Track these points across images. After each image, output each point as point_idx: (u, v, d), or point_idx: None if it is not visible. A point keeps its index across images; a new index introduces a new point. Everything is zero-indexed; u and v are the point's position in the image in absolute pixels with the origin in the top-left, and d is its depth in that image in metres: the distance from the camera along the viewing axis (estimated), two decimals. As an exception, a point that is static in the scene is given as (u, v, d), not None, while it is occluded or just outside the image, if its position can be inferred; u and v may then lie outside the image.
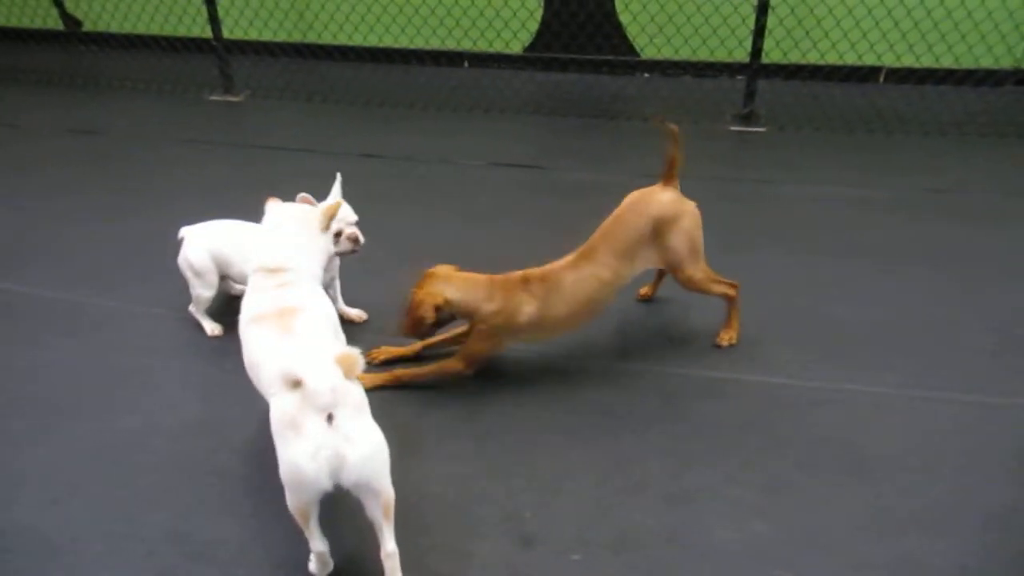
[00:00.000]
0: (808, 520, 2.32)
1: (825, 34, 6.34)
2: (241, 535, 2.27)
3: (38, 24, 8.22)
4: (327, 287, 2.86)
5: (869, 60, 6.47)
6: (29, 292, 3.60)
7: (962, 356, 3.08)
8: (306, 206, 2.73)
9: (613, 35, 7.04)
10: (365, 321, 3.35)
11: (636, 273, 3.00)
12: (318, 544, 2.03)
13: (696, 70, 6.96)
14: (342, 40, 7.45)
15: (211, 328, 3.28)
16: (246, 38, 7.46)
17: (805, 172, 4.99)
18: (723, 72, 6.83)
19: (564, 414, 2.80)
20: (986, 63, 6.25)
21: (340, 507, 2.07)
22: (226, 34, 6.74)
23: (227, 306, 3.43)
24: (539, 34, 7.22)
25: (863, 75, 6.67)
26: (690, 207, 2.97)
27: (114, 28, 7.83)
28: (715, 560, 2.19)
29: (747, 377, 2.97)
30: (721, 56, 6.68)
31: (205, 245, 3.19)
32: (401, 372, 2.94)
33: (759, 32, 5.69)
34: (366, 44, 7.40)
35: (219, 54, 6.70)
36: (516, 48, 7.27)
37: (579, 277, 2.85)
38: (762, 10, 5.61)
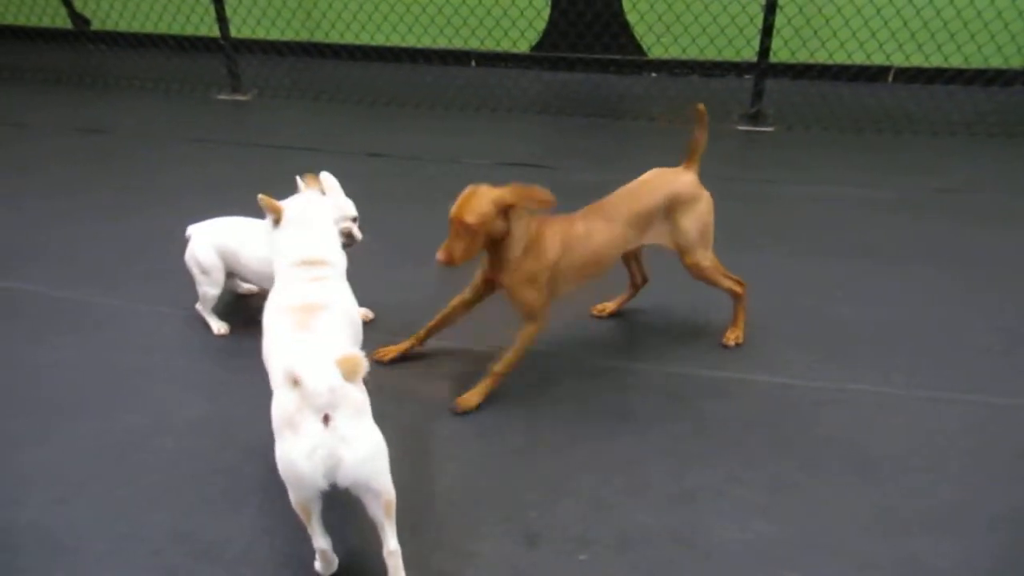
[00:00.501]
0: (812, 520, 2.31)
1: (833, 33, 6.32)
2: (246, 534, 2.27)
3: (47, 23, 8.25)
4: None
5: (878, 60, 6.45)
6: (34, 290, 3.61)
7: (968, 356, 3.07)
8: (322, 197, 2.69)
9: (620, 34, 7.03)
10: (372, 320, 3.35)
11: (643, 244, 2.97)
12: (320, 541, 2.03)
13: (703, 69, 6.95)
14: (349, 39, 7.47)
15: (217, 327, 3.29)
16: (254, 37, 7.47)
17: (813, 172, 4.97)
18: (731, 71, 6.82)
19: (567, 413, 2.79)
20: (995, 63, 6.22)
21: (343, 505, 2.08)
22: (234, 33, 6.76)
23: (233, 305, 3.44)
24: (546, 33, 7.22)
25: (872, 75, 6.65)
26: (706, 194, 2.96)
27: (122, 27, 7.86)
28: (719, 560, 2.19)
29: (751, 377, 2.96)
30: (729, 55, 6.66)
31: (212, 242, 3.19)
32: (498, 371, 2.82)
33: (767, 31, 5.67)
34: (373, 43, 7.42)
35: (227, 53, 6.72)
36: (523, 47, 7.27)
37: (590, 227, 2.80)
38: (770, 9, 5.59)
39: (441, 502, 2.39)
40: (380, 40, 7.39)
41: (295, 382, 1.82)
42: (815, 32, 6.36)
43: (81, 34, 8.29)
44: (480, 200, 2.58)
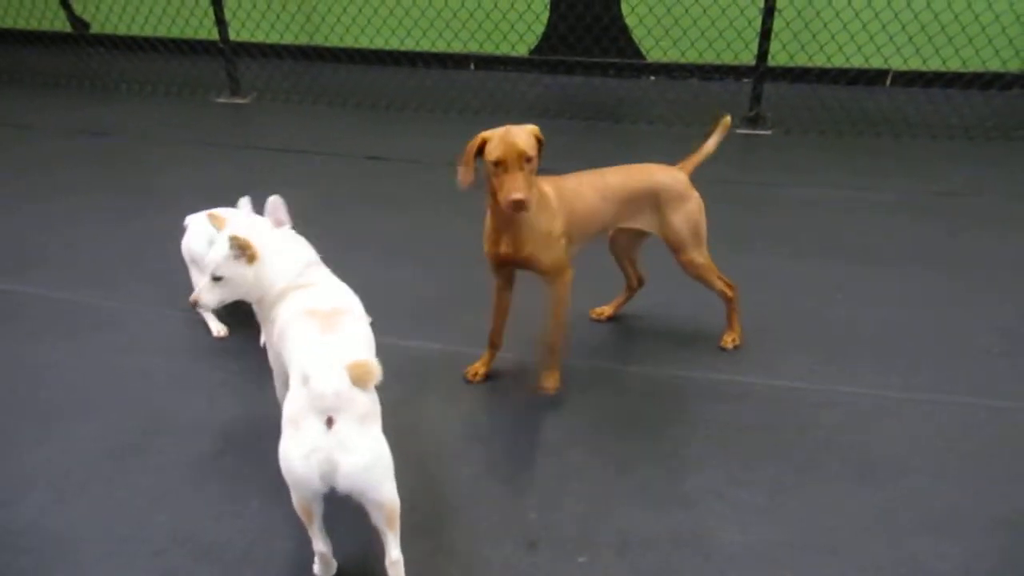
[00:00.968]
0: (812, 522, 2.31)
1: (831, 37, 6.32)
2: (247, 535, 2.27)
3: (46, 26, 8.24)
4: None
5: (876, 63, 6.46)
6: (35, 292, 3.61)
7: (968, 359, 3.07)
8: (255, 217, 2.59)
9: (619, 38, 7.04)
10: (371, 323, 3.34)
11: (630, 225, 2.96)
12: (320, 545, 2.03)
13: (702, 73, 6.96)
14: (348, 42, 7.47)
15: (217, 329, 3.29)
16: (253, 40, 7.48)
17: (811, 175, 4.98)
18: (729, 75, 6.83)
19: (566, 416, 2.80)
20: (993, 66, 6.23)
21: (346, 510, 2.07)
22: (233, 36, 6.77)
23: (233, 307, 3.43)
24: (545, 36, 7.23)
25: (870, 78, 6.66)
26: (696, 194, 2.97)
27: (121, 30, 7.86)
28: (719, 562, 2.19)
29: (751, 379, 2.97)
30: (727, 59, 6.68)
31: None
32: (550, 342, 2.81)
33: (765, 35, 5.68)
34: (372, 46, 7.42)
35: (226, 56, 6.73)
36: (522, 50, 7.28)
37: (579, 187, 2.80)
38: (768, 13, 5.61)
39: (440, 505, 2.39)
40: (379, 43, 7.40)
41: (305, 381, 1.83)
42: (813, 36, 6.37)
43: (80, 37, 8.29)
44: (521, 134, 2.59)
